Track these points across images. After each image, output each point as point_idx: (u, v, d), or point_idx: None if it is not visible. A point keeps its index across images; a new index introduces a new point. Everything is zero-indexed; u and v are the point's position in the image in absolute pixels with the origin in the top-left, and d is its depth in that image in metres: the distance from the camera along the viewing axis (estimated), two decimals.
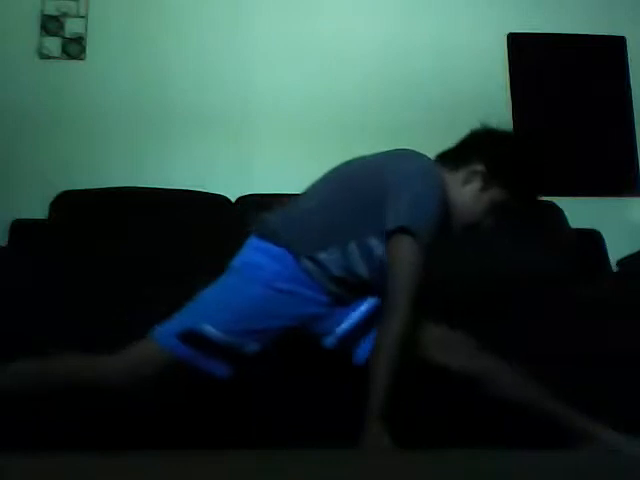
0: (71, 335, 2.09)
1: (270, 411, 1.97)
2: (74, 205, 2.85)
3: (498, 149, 1.84)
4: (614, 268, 3.06)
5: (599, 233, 3.14)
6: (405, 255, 1.67)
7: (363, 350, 1.75)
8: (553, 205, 3.11)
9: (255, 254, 1.75)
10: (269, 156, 3.32)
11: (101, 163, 3.23)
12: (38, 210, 2.86)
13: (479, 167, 1.81)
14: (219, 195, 2.99)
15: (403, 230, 1.67)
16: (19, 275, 2.26)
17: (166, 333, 1.69)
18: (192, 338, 1.66)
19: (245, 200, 3.00)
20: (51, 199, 2.87)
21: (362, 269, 1.73)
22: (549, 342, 2.20)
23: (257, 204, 2.97)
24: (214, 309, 1.70)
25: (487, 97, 3.46)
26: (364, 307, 1.78)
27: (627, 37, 3.66)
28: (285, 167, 3.30)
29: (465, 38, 3.56)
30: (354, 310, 1.77)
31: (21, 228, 2.83)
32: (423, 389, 1.91)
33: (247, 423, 1.98)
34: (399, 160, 1.80)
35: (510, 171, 1.81)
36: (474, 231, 1.84)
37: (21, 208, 2.98)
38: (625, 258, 3.02)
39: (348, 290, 1.76)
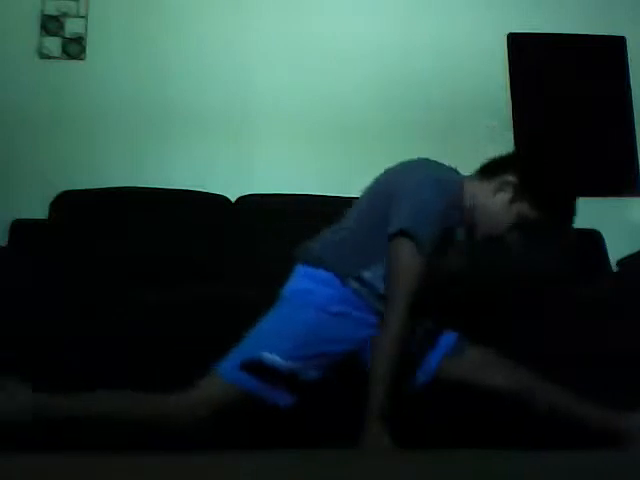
0: (71, 335, 2.09)
1: (270, 411, 1.97)
2: (74, 205, 2.85)
3: (534, 164, 1.85)
4: (614, 268, 3.06)
5: (599, 233, 3.14)
6: (405, 259, 1.69)
7: (421, 376, 1.79)
8: None
9: (303, 281, 1.78)
10: (269, 156, 3.32)
11: (101, 163, 3.23)
12: (38, 210, 2.86)
13: (511, 178, 1.80)
14: (219, 195, 2.98)
15: (403, 233, 1.69)
16: (19, 275, 2.26)
17: (230, 367, 1.70)
18: (255, 367, 1.67)
19: (245, 200, 3.00)
20: (51, 199, 2.87)
21: None
22: (549, 342, 2.20)
23: (257, 204, 2.97)
24: (272, 338, 1.72)
25: (487, 97, 3.46)
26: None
27: (627, 37, 3.65)
28: (285, 167, 3.30)
29: (465, 38, 3.56)
30: None
31: (21, 228, 2.83)
32: (423, 389, 1.91)
33: (247, 423, 1.98)
34: (410, 169, 1.82)
35: (542, 187, 1.80)
36: (497, 243, 1.84)
37: (21, 208, 2.97)
38: (625, 258, 3.02)
39: None
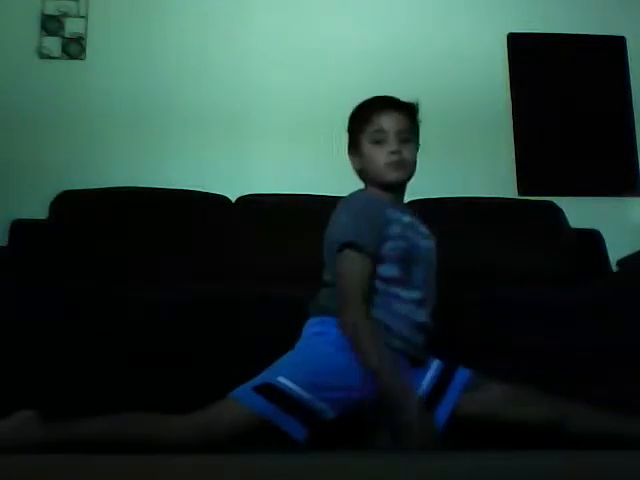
0: (70, 335, 2.09)
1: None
2: (74, 205, 2.85)
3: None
4: (614, 268, 3.06)
5: (599, 233, 3.14)
6: (345, 266, 1.80)
7: (440, 416, 1.77)
8: (553, 205, 3.11)
9: (314, 327, 1.85)
10: (269, 156, 3.32)
11: (101, 163, 3.23)
12: (38, 210, 2.86)
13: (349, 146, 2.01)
14: (219, 195, 2.98)
15: (339, 250, 1.80)
16: (19, 275, 2.26)
17: (244, 390, 1.73)
18: (267, 390, 1.70)
19: (245, 200, 2.99)
20: (51, 199, 2.86)
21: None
22: (549, 342, 2.20)
23: (257, 204, 2.97)
24: (286, 366, 1.77)
25: (487, 97, 3.46)
26: (430, 373, 1.82)
27: (627, 37, 3.66)
28: (285, 167, 3.30)
29: (465, 38, 3.56)
30: (423, 378, 1.81)
31: (21, 228, 2.83)
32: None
33: None
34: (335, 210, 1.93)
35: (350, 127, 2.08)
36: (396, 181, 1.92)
37: (21, 208, 2.97)
38: (625, 258, 3.02)
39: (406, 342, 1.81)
